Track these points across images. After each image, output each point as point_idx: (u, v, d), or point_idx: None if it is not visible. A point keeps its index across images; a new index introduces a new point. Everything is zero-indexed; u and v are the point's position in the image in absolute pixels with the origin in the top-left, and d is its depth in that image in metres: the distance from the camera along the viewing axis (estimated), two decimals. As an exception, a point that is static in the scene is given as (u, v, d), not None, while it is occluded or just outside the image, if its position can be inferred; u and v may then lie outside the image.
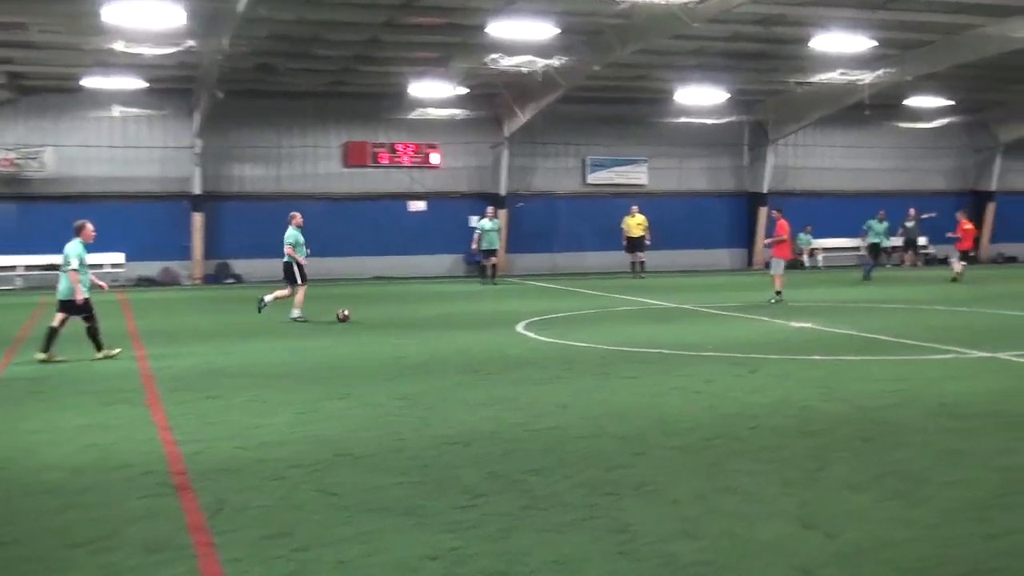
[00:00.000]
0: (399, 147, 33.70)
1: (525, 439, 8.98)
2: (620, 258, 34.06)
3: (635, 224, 32.51)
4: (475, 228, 30.53)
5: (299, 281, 19.21)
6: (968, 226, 30.47)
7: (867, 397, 10.79)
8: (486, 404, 10.63)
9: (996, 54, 27.58)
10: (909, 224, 35.96)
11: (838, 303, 22.03)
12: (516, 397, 11.02)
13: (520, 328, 17.67)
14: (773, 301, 21.95)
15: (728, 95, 32.81)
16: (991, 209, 38.40)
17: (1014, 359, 13.55)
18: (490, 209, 30.99)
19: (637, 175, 36.08)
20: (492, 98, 33.29)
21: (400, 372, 12.90)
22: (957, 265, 30.02)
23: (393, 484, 7.51)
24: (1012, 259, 38.29)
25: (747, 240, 37.06)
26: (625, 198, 35.35)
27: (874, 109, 34.11)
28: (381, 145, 33.56)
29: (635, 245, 32.46)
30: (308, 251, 19.62)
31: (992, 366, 13.07)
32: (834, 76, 30.39)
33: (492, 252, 30.16)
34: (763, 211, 36.43)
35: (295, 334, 17.41)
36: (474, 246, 30.50)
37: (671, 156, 36.21)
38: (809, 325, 17.65)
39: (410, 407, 10.55)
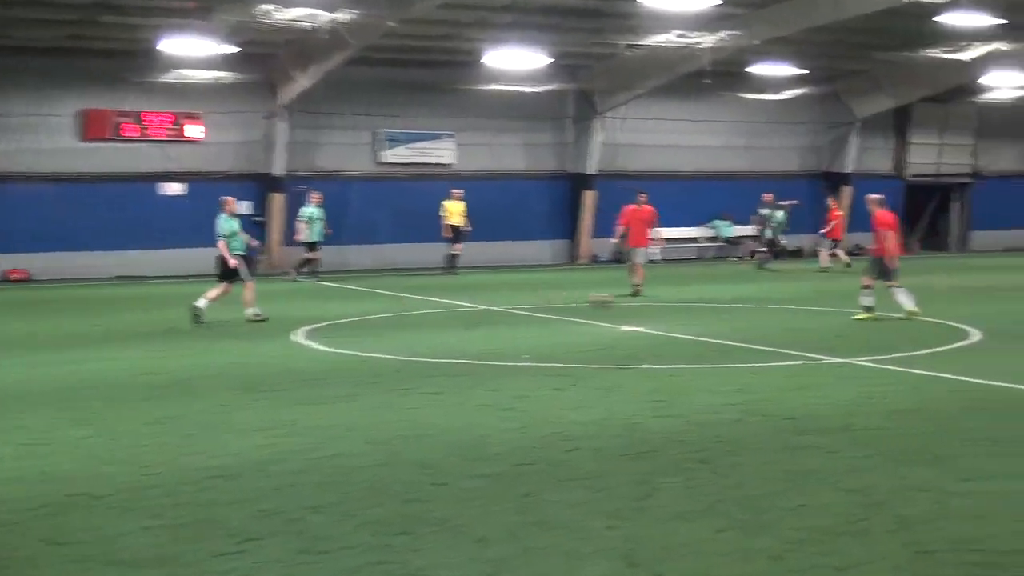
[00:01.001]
0: (150, 117, 32.86)
1: (305, 470, 8.96)
2: (422, 252, 34.20)
3: (458, 210, 32.79)
4: (302, 217, 30.48)
5: (243, 277, 19.74)
6: (839, 213, 32.09)
7: (704, 412, 11.22)
8: (259, 429, 10.54)
9: (854, 16, 28.97)
10: (765, 212, 37.43)
11: (675, 303, 22.76)
12: (295, 420, 10.97)
13: (300, 337, 17.56)
14: (633, 294, 23.63)
15: (549, 59, 33.41)
16: (847, 193, 40.25)
17: (868, 364, 14.33)
18: (315, 194, 30.93)
19: (441, 153, 36.26)
20: (266, 59, 32.89)
21: (155, 392, 12.65)
22: (825, 256, 31.50)
23: (141, 529, 7.39)
24: (859, 250, 40.23)
25: (570, 230, 37.78)
26: (427, 180, 35.50)
27: (716, 78, 35.30)
28: (127, 114, 32.63)
29: (457, 235, 32.75)
30: (256, 244, 20.95)
31: (845, 373, 13.79)
32: (670, 39, 31.35)
33: (316, 245, 30.57)
34: (589, 195, 37.22)
35: (29, 347, 16.82)
36: (299, 237, 30.64)
37: (483, 131, 36.57)
38: (640, 329, 18.17)
39: (165, 434, 10.37)
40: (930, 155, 42.62)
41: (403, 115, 35.62)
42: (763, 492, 8.25)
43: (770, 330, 18.13)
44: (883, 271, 19.45)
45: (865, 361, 14.57)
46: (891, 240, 19.43)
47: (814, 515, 7.65)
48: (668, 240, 36.16)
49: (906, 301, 19.33)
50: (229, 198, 20.36)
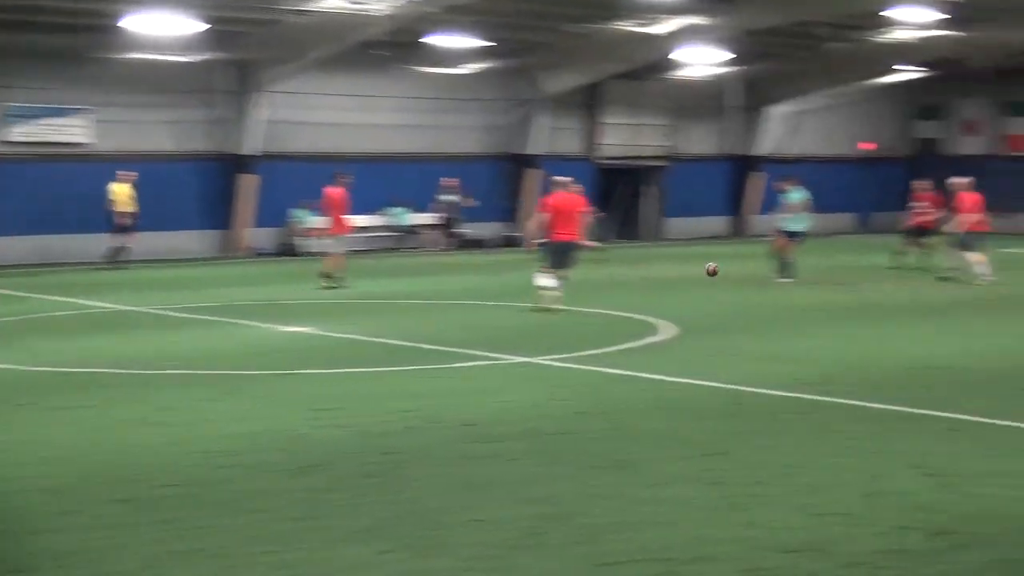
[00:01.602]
0: None
1: (-98, 504, 8.53)
2: (42, 245, 33.13)
3: (127, 195, 31.89)
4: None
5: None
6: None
7: (374, 421, 11.34)
8: None
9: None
10: (446, 198, 37.94)
11: (345, 300, 22.84)
12: None
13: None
14: (327, 287, 23.98)
15: (201, 25, 32.81)
16: (534, 178, 41.29)
17: (552, 363, 14.81)
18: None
19: (75, 130, 35.07)
20: None
21: None
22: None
23: None
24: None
25: (224, 219, 37.23)
26: (59, 162, 34.25)
27: (392, 49, 35.55)
28: None
29: (125, 224, 31.91)
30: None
31: (527, 373, 14.22)
32: (341, 4, 31.33)
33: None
34: (248, 179, 36.80)
35: None
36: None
37: (124, 106, 35.56)
38: (306, 330, 18.17)
39: None
40: (623, 136, 44.25)
41: (28, 86, 34.20)
42: (438, 507, 8.41)
43: (448, 328, 18.47)
44: (566, 257, 20.46)
45: (549, 360, 15.05)
46: (585, 224, 20.49)
47: (492, 529, 7.87)
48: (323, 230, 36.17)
49: (551, 293, 20.23)
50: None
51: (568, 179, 21.35)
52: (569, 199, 20.82)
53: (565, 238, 20.47)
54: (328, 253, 25.34)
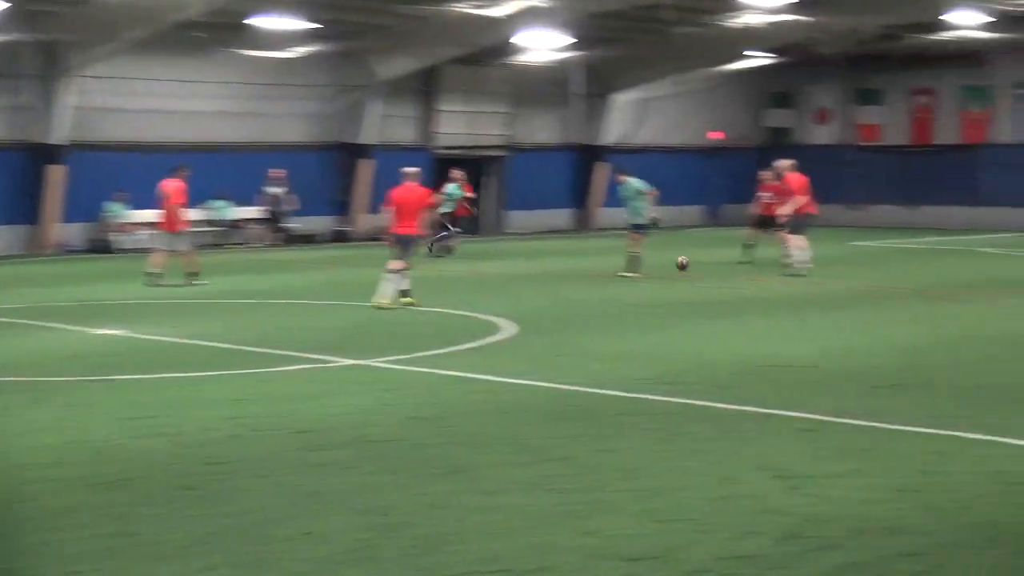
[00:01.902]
0: None
1: None
2: None
3: None
4: None
5: None
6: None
7: (195, 430, 11.24)
8: None
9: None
10: (273, 190, 37.60)
11: (161, 300, 22.53)
12: None
13: None
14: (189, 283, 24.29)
15: (3, 2, 32.05)
16: (367, 169, 41.22)
17: (386, 366, 14.83)
18: None
19: None
20: None
21: None
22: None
23: None
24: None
25: (30, 213, 36.41)
26: None
27: (213, 31, 35.13)
28: None
29: None
30: None
31: (360, 377, 14.22)
32: (154, -19, 30.86)
33: None
34: (56, 171, 36.06)
35: None
36: None
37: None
38: (120, 332, 17.89)
39: None
40: (461, 124, 44.36)
41: None
42: (263, 520, 8.37)
43: (274, 329, 18.35)
44: (408, 251, 20.77)
45: (382, 362, 15.07)
46: (428, 218, 21.03)
47: (321, 543, 7.87)
48: (150, 225, 35.65)
49: (388, 289, 20.56)
50: None
51: (415, 169, 21.55)
52: (411, 192, 21.03)
53: (404, 231, 20.76)
54: (160, 249, 24.94)
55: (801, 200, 26.55)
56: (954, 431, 11.18)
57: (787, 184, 26.84)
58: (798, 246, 26.25)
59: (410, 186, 21.12)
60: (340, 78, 41.50)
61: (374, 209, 40.79)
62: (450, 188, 33.67)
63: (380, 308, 20.25)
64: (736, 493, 9.06)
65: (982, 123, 46.98)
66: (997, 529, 8.23)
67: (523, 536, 8.03)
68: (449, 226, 33.19)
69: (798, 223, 26.45)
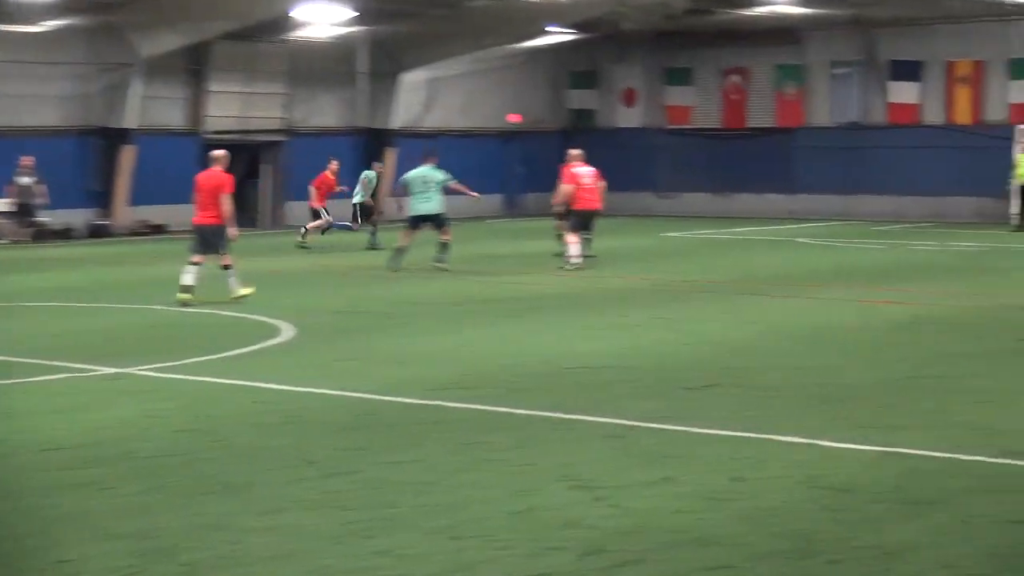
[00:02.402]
0: None
1: None
2: None
3: None
4: None
5: None
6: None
7: (-67, 449, 10.97)
8: None
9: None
10: (22, 180, 36.68)
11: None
12: None
13: None
14: None
15: None
16: (129, 156, 40.50)
17: (151, 374, 14.67)
18: None
19: None
20: None
21: None
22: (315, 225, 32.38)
23: None
24: (158, 227, 40.70)
25: None
26: None
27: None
28: None
29: None
30: None
31: (122, 387, 14.05)
32: None
33: None
34: None
35: None
36: None
37: None
38: None
39: None
40: (235, 107, 43.87)
41: None
42: (14, 549, 8.30)
43: (23, 336, 17.96)
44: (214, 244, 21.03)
45: (149, 370, 14.88)
46: (228, 206, 20.92)
47: (80, 571, 7.80)
48: None
49: (236, 284, 20.92)
50: None
51: (222, 153, 21.48)
52: (212, 177, 21.18)
53: (205, 221, 20.97)
54: None
55: (567, 191, 26.92)
56: (768, 434, 11.50)
57: (562, 174, 27.39)
58: (572, 241, 26.61)
59: (213, 171, 21.14)
60: (97, 55, 40.67)
61: (137, 201, 40.23)
62: (370, 175, 33.57)
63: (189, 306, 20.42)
64: (536, 506, 9.19)
65: (797, 105, 48.12)
66: (811, 538, 8.49)
67: (307, 559, 8.04)
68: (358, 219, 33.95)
69: (575, 219, 26.84)
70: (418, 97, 47.76)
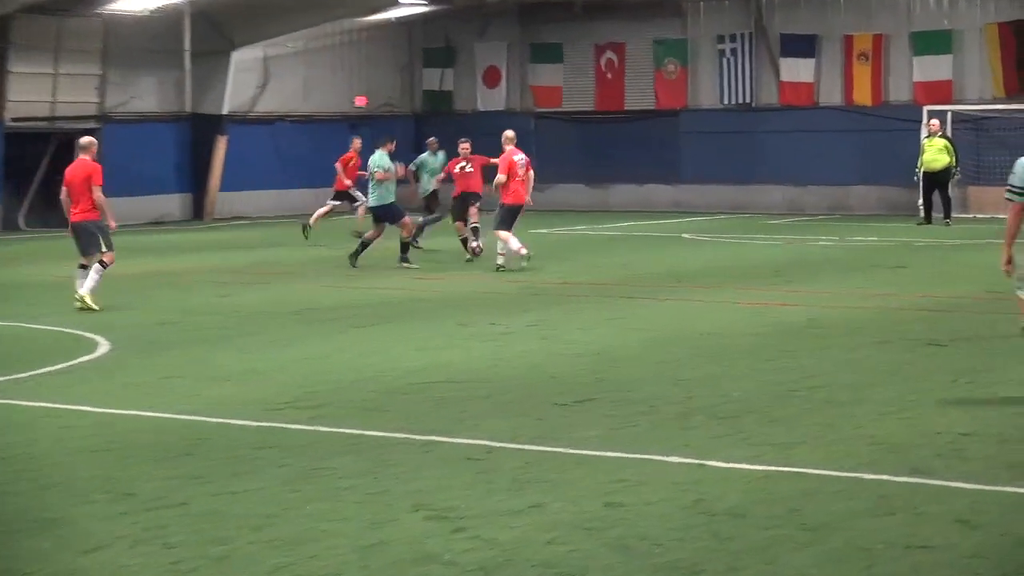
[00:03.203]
0: None
1: None
2: None
3: None
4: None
5: None
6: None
7: None
8: None
9: None
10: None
11: None
12: None
13: None
14: None
15: None
16: None
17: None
18: None
19: None
20: None
21: None
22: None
23: None
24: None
25: None
26: None
27: None
28: None
29: None
30: None
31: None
32: None
33: None
34: None
35: None
36: None
37: None
38: None
39: None
40: (41, 90, 43.20)
41: None
42: None
43: None
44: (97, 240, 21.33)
45: None
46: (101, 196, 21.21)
47: None
48: None
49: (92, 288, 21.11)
50: None
51: (87, 140, 21.37)
52: (82, 168, 21.26)
53: (83, 217, 21.20)
54: None
55: (500, 181, 26.94)
56: (649, 454, 11.62)
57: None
58: (505, 238, 26.86)
59: (82, 161, 21.15)
60: None
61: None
62: (424, 158, 32.93)
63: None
64: (389, 539, 9.22)
65: (680, 84, 48.33)
66: (697, 569, 8.59)
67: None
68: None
69: (504, 214, 26.98)
70: (252, 78, 47.36)
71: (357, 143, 35.56)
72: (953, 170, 39.44)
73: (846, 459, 11.43)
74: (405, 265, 26.94)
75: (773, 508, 9.95)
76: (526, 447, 11.95)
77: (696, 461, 11.38)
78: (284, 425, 12.98)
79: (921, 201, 39.94)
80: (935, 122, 40.23)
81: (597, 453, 11.72)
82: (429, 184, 32.14)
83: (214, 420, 13.25)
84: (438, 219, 31.66)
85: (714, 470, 11.14)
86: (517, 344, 18.02)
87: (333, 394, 14.53)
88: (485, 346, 17.89)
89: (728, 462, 11.33)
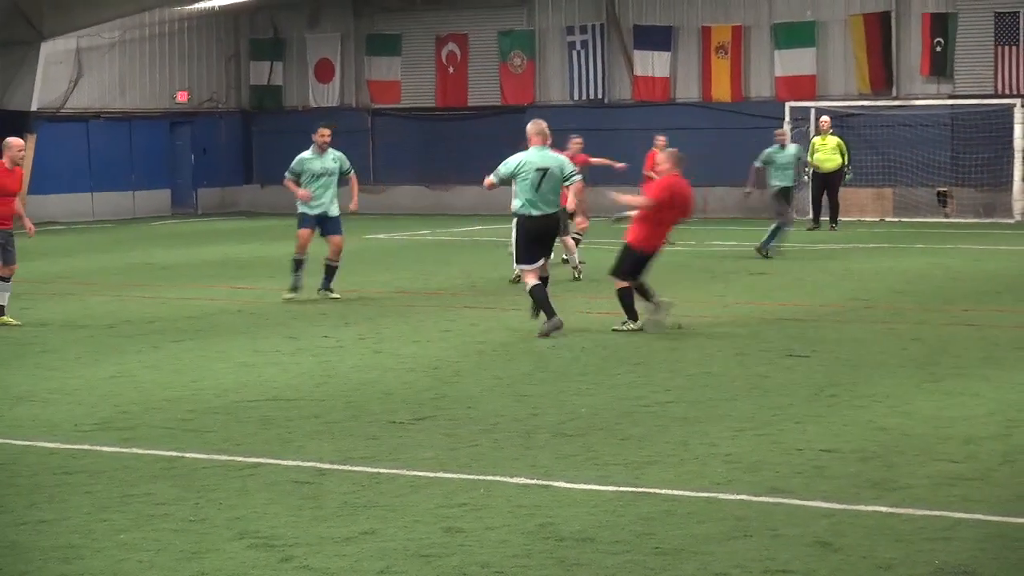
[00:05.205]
0: None
1: None
2: None
3: None
4: None
5: None
6: None
7: None
8: None
9: None
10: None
11: None
12: None
13: None
14: None
15: None
16: None
17: None
18: None
19: None
20: None
21: None
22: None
23: None
24: None
25: None
26: None
27: None
28: None
29: None
30: None
31: None
32: None
33: None
34: None
35: None
36: None
37: None
38: None
39: None
40: None
41: None
42: None
43: None
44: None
45: None
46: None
47: None
48: None
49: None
50: None
51: (15, 140, 20.92)
52: (4, 175, 20.94)
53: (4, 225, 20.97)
54: None
55: None
56: (490, 475, 11.64)
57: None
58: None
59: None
60: None
61: None
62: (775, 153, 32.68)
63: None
64: (210, 570, 9.15)
65: (527, 79, 48.45)
66: (541, 598, 8.63)
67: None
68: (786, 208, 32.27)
69: None
70: (64, 71, 46.86)
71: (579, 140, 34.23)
72: (845, 170, 39.70)
73: (700, 479, 11.52)
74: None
75: (623, 532, 9.98)
76: (358, 469, 11.92)
77: (541, 482, 11.41)
78: (93, 447, 12.84)
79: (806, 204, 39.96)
80: (825, 119, 40.39)
81: (435, 475, 11.72)
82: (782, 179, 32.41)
83: (14, 442, 13.09)
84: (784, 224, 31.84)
85: (560, 492, 11.16)
86: (348, 359, 17.95)
87: (147, 414, 14.40)
88: (312, 361, 17.79)
89: (575, 483, 11.37)
